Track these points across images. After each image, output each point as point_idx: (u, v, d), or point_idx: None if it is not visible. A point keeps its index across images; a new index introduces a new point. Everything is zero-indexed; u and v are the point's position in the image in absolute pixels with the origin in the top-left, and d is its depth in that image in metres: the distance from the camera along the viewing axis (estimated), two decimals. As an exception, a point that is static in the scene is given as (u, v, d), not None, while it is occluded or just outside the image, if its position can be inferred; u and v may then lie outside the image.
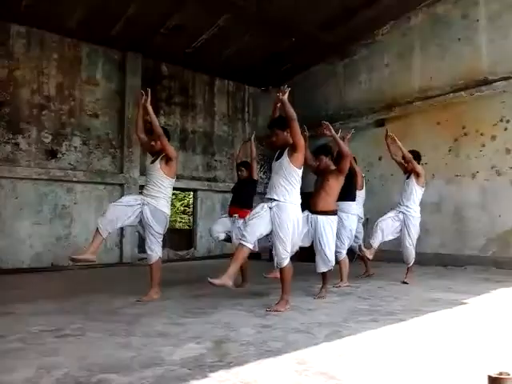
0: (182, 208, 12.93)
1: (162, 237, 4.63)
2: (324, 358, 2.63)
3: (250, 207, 5.43)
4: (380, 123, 8.36)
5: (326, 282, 4.75)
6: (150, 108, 4.44)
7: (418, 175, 5.75)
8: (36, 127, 7.35)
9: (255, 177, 5.59)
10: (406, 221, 5.81)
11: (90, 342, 3.03)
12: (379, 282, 5.78)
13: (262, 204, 4.14)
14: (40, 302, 4.39)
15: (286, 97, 3.94)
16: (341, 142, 4.62)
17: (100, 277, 6.60)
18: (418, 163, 5.73)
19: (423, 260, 7.28)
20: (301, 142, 3.92)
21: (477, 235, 6.89)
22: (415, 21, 7.90)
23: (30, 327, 3.37)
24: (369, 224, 8.26)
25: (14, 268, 6.82)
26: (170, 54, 8.65)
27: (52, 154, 7.48)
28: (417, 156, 5.79)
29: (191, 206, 14.22)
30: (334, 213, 4.73)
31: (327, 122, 4.66)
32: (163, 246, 4.76)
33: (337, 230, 4.93)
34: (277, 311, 3.92)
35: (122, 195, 8.07)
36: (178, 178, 8.97)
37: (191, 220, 13.66)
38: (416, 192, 5.77)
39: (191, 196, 14.03)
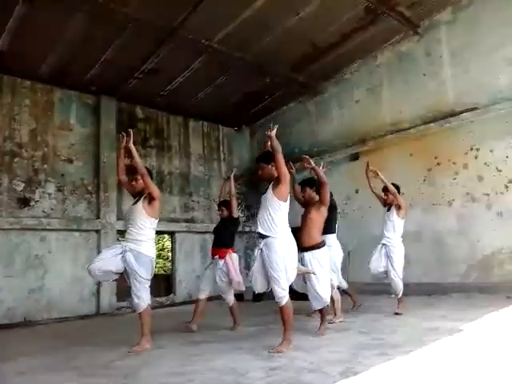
0: (157, 252, 12.57)
1: (148, 282, 4.40)
2: None
3: (230, 246, 5.39)
4: (355, 157, 8.57)
5: (324, 319, 4.65)
6: (133, 148, 4.36)
7: (399, 208, 5.90)
8: (8, 175, 7.04)
9: (235, 215, 5.53)
10: (388, 253, 5.88)
11: (92, 400, 2.80)
12: (372, 315, 5.72)
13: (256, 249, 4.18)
14: (22, 360, 4.05)
15: (273, 133, 4.01)
16: (320, 171, 4.64)
17: (79, 330, 6.20)
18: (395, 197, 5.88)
19: (406, 290, 7.30)
20: (284, 173, 3.94)
21: (458, 262, 7.01)
22: (381, 58, 8.30)
23: (18, 390, 3.09)
24: (351, 256, 8.32)
25: (-18, 326, 6.30)
26: (145, 97, 8.66)
27: (24, 202, 7.15)
28: (397, 189, 5.95)
29: (166, 249, 13.95)
30: (318, 246, 4.64)
31: (307, 156, 4.73)
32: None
33: None
34: (280, 352, 3.78)
35: (98, 242, 7.84)
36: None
37: (168, 264, 13.35)
38: (397, 224, 5.91)
39: (166, 239, 13.78)
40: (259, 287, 4.14)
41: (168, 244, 13.54)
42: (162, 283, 9.48)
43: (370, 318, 5.47)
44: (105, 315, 7.44)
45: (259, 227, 4.06)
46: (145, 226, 4.37)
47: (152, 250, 4.43)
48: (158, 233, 10.25)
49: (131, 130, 4.45)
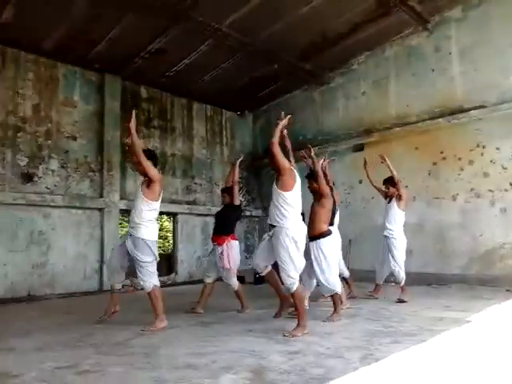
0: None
1: (153, 264, 4.41)
2: (375, 382, 2.62)
3: (230, 233, 5.37)
4: (359, 148, 8.63)
5: (336, 307, 4.72)
6: (132, 128, 4.26)
7: (400, 199, 5.97)
8: (11, 149, 6.93)
9: (236, 201, 5.52)
10: (388, 244, 6.00)
11: (118, 377, 2.83)
12: (377, 302, 5.83)
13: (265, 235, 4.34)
14: (36, 336, 4.07)
15: (282, 122, 4.05)
16: (316, 162, 4.68)
17: (84, 306, 6.19)
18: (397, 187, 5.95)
19: (407, 279, 7.46)
20: (282, 164, 3.96)
21: (459, 255, 7.17)
22: (390, 52, 8.31)
23: (41, 364, 3.11)
24: (352, 245, 8.45)
25: (-15, 300, 6.27)
26: (150, 77, 8.53)
27: (28, 178, 7.06)
28: (394, 181, 5.98)
29: (164, 229, 13.93)
30: (322, 235, 4.68)
31: (309, 146, 4.90)
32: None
33: None
34: (295, 336, 3.86)
35: (101, 220, 7.82)
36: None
37: (168, 244, 13.36)
38: (397, 215, 5.99)
39: (164, 219, 13.75)
40: (259, 261, 4.32)
41: (167, 224, 13.53)
42: (163, 263, 9.50)
43: (375, 305, 5.57)
44: (107, 292, 7.41)
45: (269, 219, 4.17)
46: (143, 208, 4.34)
47: (150, 233, 4.35)
48: (162, 214, 10.32)
49: (134, 110, 4.40)
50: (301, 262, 4.09)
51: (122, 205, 7.98)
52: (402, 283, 5.93)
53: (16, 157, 6.99)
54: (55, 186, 7.37)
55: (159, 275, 8.50)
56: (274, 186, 4.06)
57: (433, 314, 4.83)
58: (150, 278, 4.36)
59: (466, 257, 7.10)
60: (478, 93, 7.03)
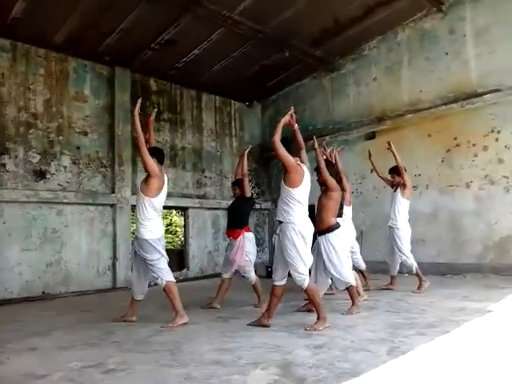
0: (165, 227, 12.57)
1: (162, 260, 4.37)
2: (407, 376, 2.59)
3: (244, 226, 5.33)
4: (370, 136, 8.53)
5: (353, 299, 4.69)
6: (135, 117, 4.25)
7: (404, 187, 5.93)
8: (23, 147, 6.92)
9: (247, 194, 5.46)
10: (392, 235, 5.99)
11: (146, 375, 2.82)
12: (393, 293, 5.83)
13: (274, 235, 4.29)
14: (56, 335, 4.08)
15: (283, 119, 4.02)
16: (320, 154, 4.61)
17: (100, 304, 6.23)
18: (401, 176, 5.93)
19: (420, 270, 7.43)
20: (285, 160, 3.90)
21: (473, 243, 7.11)
22: (402, 36, 8.16)
23: (66, 363, 3.11)
24: (363, 236, 8.40)
25: (1, 299, 6.29)
26: (159, 69, 8.46)
27: (41, 175, 7.06)
28: (400, 170, 5.96)
29: (173, 224, 13.97)
30: (330, 229, 4.63)
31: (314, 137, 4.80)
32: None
33: None
34: (317, 330, 3.84)
35: (113, 216, 7.82)
36: (169, 196, 8.79)
37: (178, 239, 13.40)
38: (401, 204, 5.95)
39: (173, 214, 13.78)
40: (279, 274, 4.08)
41: (176, 219, 13.55)
42: (174, 258, 9.52)
43: (392, 296, 5.56)
44: (121, 289, 7.46)
45: (276, 215, 4.14)
46: (143, 206, 4.30)
47: (150, 231, 4.30)
48: (170, 208, 10.34)
49: (138, 100, 4.38)
50: (309, 258, 4.04)
51: (134, 200, 7.88)
52: (415, 271, 5.90)
53: (28, 154, 6.97)
54: (67, 182, 7.37)
55: (171, 270, 8.60)
56: (282, 182, 4.02)
57: (452, 305, 4.80)
58: (162, 275, 4.35)
59: (480, 245, 7.03)
60: (493, 76, 6.89)
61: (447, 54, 7.53)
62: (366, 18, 7.61)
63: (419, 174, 7.77)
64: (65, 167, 7.36)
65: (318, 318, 3.97)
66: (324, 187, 4.74)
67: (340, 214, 5.46)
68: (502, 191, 6.84)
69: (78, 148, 7.55)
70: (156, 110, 5.11)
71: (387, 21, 7.82)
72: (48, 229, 7.04)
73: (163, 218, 9.82)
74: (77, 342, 3.75)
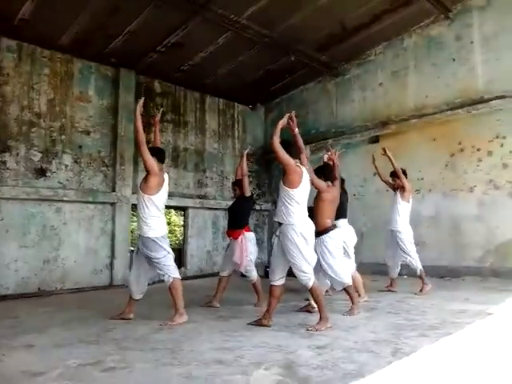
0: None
1: (168, 257, 4.34)
2: (413, 378, 2.54)
3: (244, 225, 5.31)
4: (374, 140, 8.48)
5: (352, 299, 4.64)
6: (136, 115, 4.26)
7: (403, 190, 5.95)
8: (25, 145, 6.88)
9: (247, 193, 5.43)
10: (395, 238, 5.99)
11: (147, 374, 2.76)
12: (393, 295, 5.77)
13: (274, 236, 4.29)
14: (53, 332, 4.01)
15: (281, 121, 4.03)
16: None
17: (97, 301, 6.15)
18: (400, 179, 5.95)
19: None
20: (284, 161, 3.91)
21: (474, 247, 7.04)
22: (409, 42, 8.14)
23: (64, 361, 3.05)
24: (364, 238, 8.34)
25: (-4, 295, 6.25)
26: (164, 72, 8.44)
27: (41, 173, 7.02)
28: (403, 172, 6.00)
29: (172, 223, 13.92)
30: (325, 231, 4.57)
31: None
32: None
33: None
34: (318, 330, 3.79)
35: (113, 214, 7.77)
36: (170, 195, 8.75)
37: (175, 239, 13.34)
38: (401, 207, 5.97)
39: (172, 213, 13.73)
40: (277, 274, 4.07)
41: (175, 219, 13.52)
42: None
43: (393, 298, 5.51)
44: (119, 287, 7.39)
45: (275, 216, 4.16)
46: (144, 205, 4.29)
47: (154, 229, 4.28)
48: (171, 208, 10.31)
49: (142, 99, 4.41)
50: (312, 257, 4.02)
51: (134, 199, 7.82)
52: (419, 273, 5.88)
53: (29, 152, 6.93)
54: (68, 180, 7.33)
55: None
56: (281, 182, 4.03)
57: (453, 307, 4.75)
58: (169, 272, 4.32)
59: (481, 249, 6.98)
60: (499, 82, 6.86)
61: (454, 60, 7.50)
62: (372, 25, 7.60)
63: (422, 178, 7.74)
64: (66, 166, 7.32)
65: (321, 318, 3.93)
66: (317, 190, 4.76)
67: (344, 215, 5.42)
68: (506, 196, 6.79)
69: (80, 147, 7.52)
70: (162, 109, 5.11)
71: (394, 27, 7.82)
72: (47, 226, 6.99)
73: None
74: (74, 339, 3.69)
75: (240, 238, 5.19)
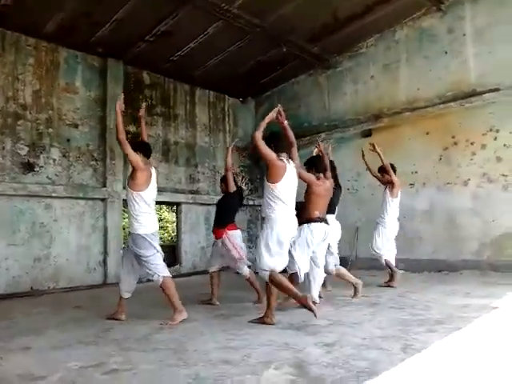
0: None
1: (157, 256, 4.21)
2: (428, 375, 2.48)
3: (228, 223, 5.14)
4: (367, 133, 8.45)
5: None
6: (116, 112, 4.16)
7: (392, 186, 5.97)
8: (11, 138, 6.64)
9: (231, 189, 5.25)
10: (376, 229, 6.11)
11: (153, 376, 2.65)
12: (393, 290, 5.74)
13: None
14: (50, 333, 3.87)
15: (268, 115, 3.96)
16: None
17: (91, 300, 6.00)
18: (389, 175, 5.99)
19: (417, 266, 7.42)
20: (265, 155, 3.83)
21: (470, 240, 7.09)
22: (401, 34, 8.10)
23: (64, 363, 2.92)
24: (359, 233, 8.34)
25: (-14, 295, 6.04)
26: (153, 62, 8.25)
27: (29, 168, 6.79)
28: (392, 169, 6.02)
29: (164, 219, 13.73)
30: (307, 221, 4.47)
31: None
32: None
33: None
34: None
35: (104, 210, 7.59)
36: (161, 191, 8.60)
37: (168, 235, 13.16)
38: (389, 203, 6.01)
39: (163, 210, 13.54)
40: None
41: (166, 215, 13.34)
42: (165, 254, 9.29)
43: (393, 293, 5.48)
44: (113, 285, 7.22)
45: (261, 210, 4.19)
46: (133, 201, 4.18)
47: (144, 226, 4.16)
48: (163, 203, 10.15)
49: (121, 95, 4.35)
50: (280, 258, 3.92)
51: (125, 195, 7.72)
52: (384, 263, 6.01)
53: (16, 145, 6.70)
54: (56, 175, 7.11)
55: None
56: (265, 177, 3.97)
57: (455, 301, 4.73)
58: (157, 270, 4.19)
59: (477, 242, 7.03)
60: (492, 75, 6.88)
61: (446, 52, 7.49)
62: (365, 16, 7.53)
63: (416, 172, 7.75)
64: (54, 160, 7.10)
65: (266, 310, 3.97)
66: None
67: (330, 211, 5.31)
68: (500, 189, 6.83)
69: (68, 140, 7.30)
70: (146, 103, 4.98)
71: (386, 19, 7.76)
72: (36, 223, 6.78)
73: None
74: (72, 340, 3.56)
75: (224, 236, 5.07)
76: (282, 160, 3.90)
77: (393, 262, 6.13)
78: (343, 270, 5.35)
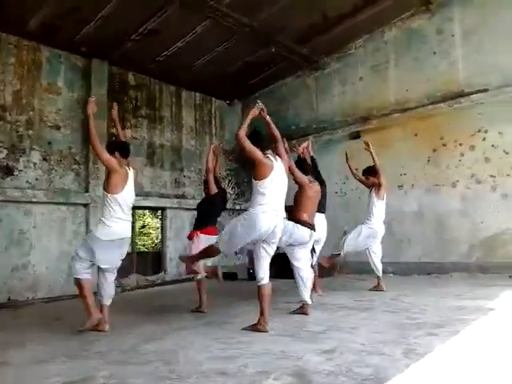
0: (139, 229, 12.02)
1: (76, 258, 4.07)
2: (437, 381, 2.37)
3: (201, 227, 4.94)
4: (355, 135, 8.37)
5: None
6: (89, 115, 4.09)
7: (379, 188, 5.88)
8: (-12, 141, 6.36)
9: (212, 191, 5.08)
10: (361, 228, 5.97)
11: (144, 391, 2.47)
12: (384, 294, 5.66)
13: None
14: (31, 347, 3.61)
15: (251, 112, 3.90)
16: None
17: (73, 311, 5.64)
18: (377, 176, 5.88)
19: (406, 269, 7.36)
20: (249, 152, 3.75)
21: (459, 242, 7.06)
22: (389, 35, 8.08)
23: (47, 379, 2.71)
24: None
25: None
26: (138, 63, 8.02)
27: (8, 172, 6.49)
28: (376, 171, 5.91)
29: (147, 226, 13.46)
30: (296, 221, 4.39)
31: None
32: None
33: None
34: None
35: (86, 216, 7.31)
36: (146, 195, 8.38)
37: (151, 242, 12.90)
38: (375, 205, 5.91)
39: (147, 216, 13.26)
40: (262, 273, 3.94)
41: (149, 221, 13.07)
42: (150, 261, 9.06)
43: (385, 297, 5.40)
44: (95, 294, 6.94)
45: None
46: (107, 205, 4.01)
47: (103, 231, 3.99)
48: (148, 208, 9.90)
49: (93, 97, 4.34)
50: (239, 247, 3.98)
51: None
52: (336, 253, 5.94)
53: (-6, 148, 6.41)
54: (37, 180, 6.82)
55: (147, 274, 8.13)
56: (252, 177, 3.88)
57: (449, 304, 4.67)
58: (74, 270, 4.08)
59: (466, 244, 7.00)
60: (480, 76, 6.89)
61: (435, 53, 7.49)
62: (354, 16, 7.47)
63: (405, 174, 7.72)
64: (34, 164, 6.81)
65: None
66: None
67: (321, 209, 5.22)
68: (489, 190, 6.83)
69: (50, 143, 7.02)
70: (117, 104, 4.75)
71: (375, 19, 7.72)
72: (15, 230, 6.46)
73: (136, 219, 9.27)
74: (55, 354, 3.33)
75: (193, 239, 4.89)
76: (268, 157, 3.81)
77: (379, 266, 6.03)
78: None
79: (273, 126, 4.07)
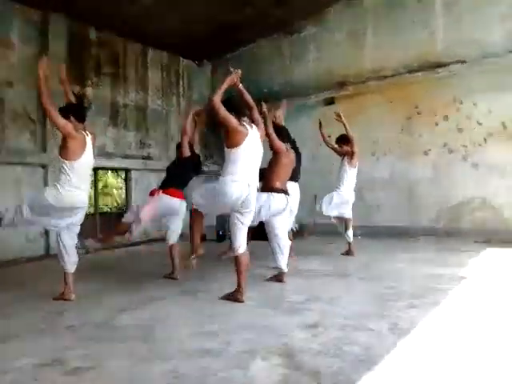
0: (101, 189, 11.48)
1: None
2: (427, 360, 2.35)
3: (165, 187, 4.68)
4: (330, 101, 8.21)
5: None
6: (40, 75, 3.63)
7: (352, 156, 5.85)
8: None
9: (184, 154, 4.81)
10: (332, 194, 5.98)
11: (123, 375, 2.29)
12: (356, 259, 5.71)
13: None
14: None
15: (230, 78, 3.67)
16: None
17: (35, 275, 5.41)
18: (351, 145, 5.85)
19: (375, 233, 7.45)
20: (227, 123, 3.56)
21: (428, 208, 7.22)
22: (369, 1, 7.80)
23: (14, 360, 2.49)
24: (317, 200, 8.22)
25: None
26: (100, 17, 7.33)
27: (-44, 131, 5.92)
28: (349, 141, 5.87)
29: (108, 186, 12.95)
30: (268, 190, 4.32)
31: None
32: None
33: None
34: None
35: (44, 178, 6.83)
36: (110, 156, 7.94)
37: (116, 202, 12.43)
38: (347, 173, 5.90)
39: (109, 174, 12.72)
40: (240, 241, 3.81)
41: (111, 181, 12.59)
42: (114, 222, 8.70)
43: (358, 262, 5.48)
44: (55, 257, 6.61)
45: None
46: (62, 170, 3.69)
47: (58, 196, 3.67)
48: (112, 169, 9.44)
49: (44, 56, 3.94)
50: (212, 209, 3.98)
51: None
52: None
53: None
54: (-11, 140, 6.26)
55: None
56: (224, 144, 3.70)
57: (422, 271, 4.72)
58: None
59: (435, 210, 7.18)
60: (458, 47, 6.83)
61: (414, 22, 7.32)
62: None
63: (378, 141, 7.68)
64: (-14, 123, 6.23)
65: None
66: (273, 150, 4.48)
67: (293, 178, 5.09)
68: (460, 159, 6.94)
69: (2, 100, 6.42)
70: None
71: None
72: (-34, 193, 5.97)
73: (98, 179, 8.80)
74: (20, 329, 3.09)
75: (155, 195, 4.64)
76: (243, 125, 3.63)
77: (350, 233, 6.02)
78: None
79: (246, 93, 3.84)
